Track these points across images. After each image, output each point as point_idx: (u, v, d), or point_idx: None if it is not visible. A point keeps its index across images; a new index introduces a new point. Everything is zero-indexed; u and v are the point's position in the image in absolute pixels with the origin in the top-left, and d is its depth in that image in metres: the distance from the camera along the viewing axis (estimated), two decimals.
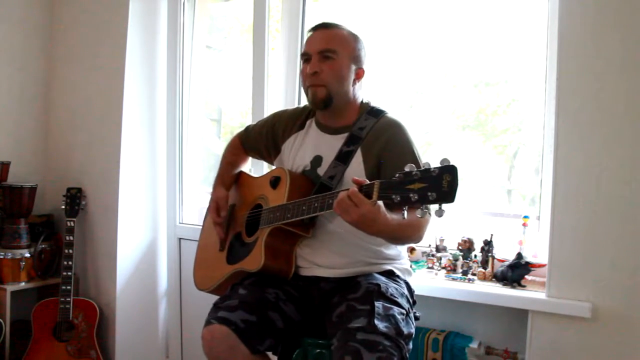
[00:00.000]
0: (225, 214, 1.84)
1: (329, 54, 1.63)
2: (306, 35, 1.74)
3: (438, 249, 2.12)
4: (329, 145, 1.69)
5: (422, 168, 1.23)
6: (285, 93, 2.48)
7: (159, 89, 2.77)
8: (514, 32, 2.19)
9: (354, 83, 1.68)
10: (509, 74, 2.24)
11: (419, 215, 1.25)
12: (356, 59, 1.68)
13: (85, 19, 2.78)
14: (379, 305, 1.46)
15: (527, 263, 1.88)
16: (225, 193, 1.88)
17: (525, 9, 2.16)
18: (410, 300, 1.64)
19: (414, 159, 1.57)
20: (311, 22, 2.46)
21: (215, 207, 1.85)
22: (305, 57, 1.67)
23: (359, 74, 1.69)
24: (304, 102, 2.37)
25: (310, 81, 1.65)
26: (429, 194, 1.20)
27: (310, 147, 1.73)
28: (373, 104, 1.74)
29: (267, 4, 2.44)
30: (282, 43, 2.49)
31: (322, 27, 1.68)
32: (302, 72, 1.69)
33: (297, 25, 2.44)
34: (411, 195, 1.23)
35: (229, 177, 1.94)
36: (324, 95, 1.64)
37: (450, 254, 2.09)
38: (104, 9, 2.72)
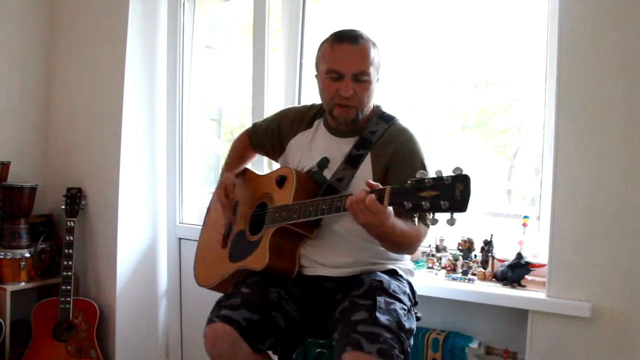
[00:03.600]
0: (234, 197, 1.81)
1: (363, 76, 1.58)
2: (328, 44, 1.62)
3: (438, 249, 2.12)
4: (337, 148, 1.68)
5: (435, 176, 1.23)
6: (285, 93, 2.48)
7: (159, 88, 2.76)
8: (514, 32, 2.19)
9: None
10: (509, 74, 2.24)
11: (429, 223, 1.26)
12: (378, 72, 1.65)
13: (85, 19, 2.78)
14: (380, 299, 1.47)
15: (527, 263, 1.88)
16: (233, 177, 1.84)
17: (525, 9, 2.16)
18: (412, 300, 1.65)
19: (423, 168, 1.57)
20: (311, 22, 2.47)
21: (223, 189, 1.81)
22: (336, 76, 1.59)
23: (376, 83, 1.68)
24: (304, 102, 2.38)
25: (342, 102, 1.60)
26: (442, 202, 1.20)
27: (318, 148, 1.72)
28: (384, 108, 1.73)
29: (267, 4, 2.44)
30: (282, 43, 2.49)
31: (352, 42, 1.59)
32: (327, 88, 1.61)
33: (297, 25, 2.44)
34: (423, 202, 1.23)
35: (236, 168, 1.93)
36: (354, 116, 1.63)
37: (450, 254, 2.09)
38: (104, 9, 2.71)
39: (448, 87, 2.36)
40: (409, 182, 1.27)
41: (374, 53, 1.61)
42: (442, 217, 1.24)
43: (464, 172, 1.20)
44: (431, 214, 1.24)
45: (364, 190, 1.35)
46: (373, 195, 1.32)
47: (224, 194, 1.80)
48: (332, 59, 1.60)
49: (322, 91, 1.66)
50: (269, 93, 2.47)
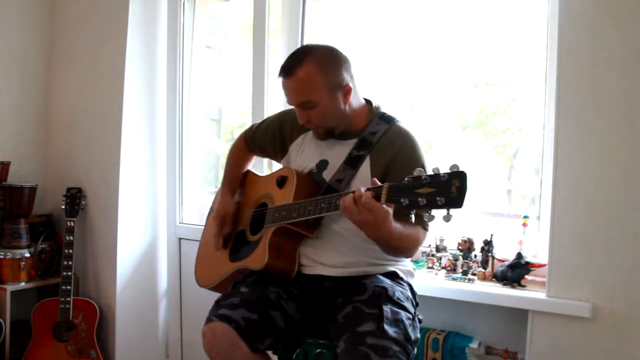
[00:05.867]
0: (228, 230, 1.84)
1: (307, 104, 1.58)
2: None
3: (438, 249, 2.12)
4: (335, 150, 1.68)
5: (432, 173, 1.24)
6: None
7: (159, 89, 2.76)
8: (514, 32, 2.19)
9: (345, 102, 1.62)
10: (509, 74, 2.24)
11: (426, 220, 1.26)
12: (336, 86, 1.58)
13: (85, 19, 2.78)
14: (387, 309, 1.46)
15: (527, 263, 1.88)
16: (233, 206, 1.86)
17: (525, 9, 2.16)
18: (414, 303, 1.64)
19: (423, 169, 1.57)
20: (311, 22, 2.47)
21: (221, 220, 1.84)
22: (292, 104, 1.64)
23: (347, 92, 1.61)
24: None
25: (306, 125, 1.67)
26: (438, 198, 1.21)
27: (317, 150, 1.72)
28: (383, 109, 1.72)
29: (267, 4, 2.44)
30: (282, 43, 2.49)
31: (285, 75, 1.58)
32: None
33: (297, 25, 2.45)
34: (420, 199, 1.23)
35: (236, 179, 1.93)
36: (324, 132, 1.66)
37: (450, 254, 2.09)
38: (104, 9, 2.72)
39: (448, 87, 2.36)
40: (406, 179, 1.27)
41: (317, 75, 1.55)
42: (439, 214, 1.24)
43: (460, 169, 1.21)
44: (428, 210, 1.24)
45: (360, 188, 1.35)
46: (369, 193, 1.32)
47: (220, 225, 1.83)
48: (283, 90, 1.63)
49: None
50: (269, 93, 2.47)
